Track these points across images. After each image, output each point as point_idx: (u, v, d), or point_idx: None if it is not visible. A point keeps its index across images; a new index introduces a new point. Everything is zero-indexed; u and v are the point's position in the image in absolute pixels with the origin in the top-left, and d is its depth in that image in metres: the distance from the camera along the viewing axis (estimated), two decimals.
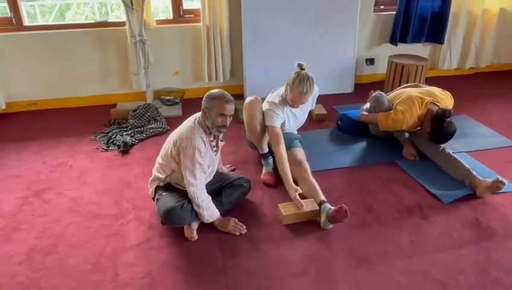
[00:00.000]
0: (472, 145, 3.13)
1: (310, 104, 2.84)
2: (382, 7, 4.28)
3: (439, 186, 2.60)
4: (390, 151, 3.02)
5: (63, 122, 3.55)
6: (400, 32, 4.23)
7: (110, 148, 3.11)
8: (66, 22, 4.01)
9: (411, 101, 2.77)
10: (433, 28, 4.31)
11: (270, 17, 3.74)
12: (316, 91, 2.82)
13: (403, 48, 4.31)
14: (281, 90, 2.66)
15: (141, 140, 3.23)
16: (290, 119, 2.69)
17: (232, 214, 2.31)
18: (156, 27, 3.71)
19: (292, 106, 2.59)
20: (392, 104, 2.88)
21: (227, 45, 3.84)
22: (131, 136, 3.23)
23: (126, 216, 2.35)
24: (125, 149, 3.06)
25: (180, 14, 3.81)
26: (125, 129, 3.36)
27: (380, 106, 2.90)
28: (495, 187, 2.41)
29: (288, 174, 2.38)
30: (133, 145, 3.15)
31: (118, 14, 6.31)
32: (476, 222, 2.27)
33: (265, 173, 2.70)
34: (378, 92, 2.99)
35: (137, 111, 3.48)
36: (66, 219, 2.32)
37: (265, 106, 2.60)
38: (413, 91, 2.87)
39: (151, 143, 3.20)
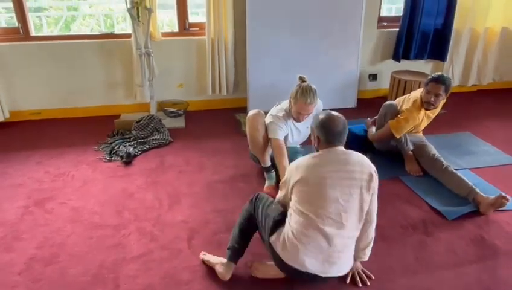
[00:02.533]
0: (476, 162, 3.12)
1: None
2: (385, 24, 4.33)
3: (443, 202, 2.59)
4: (394, 167, 3.01)
5: (66, 132, 3.55)
6: (402, 49, 4.26)
7: (113, 158, 3.11)
8: (72, 33, 4.06)
9: (412, 99, 2.91)
10: (436, 45, 4.34)
11: (274, 31, 3.78)
12: (320, 106, 2.83)
13: (406, 65, 4.34)
14: (285, 104, 2.67)
15: (144, 151, 3.23)
16: (294, 133, 2.69)
17: None
18: (161, 39, 3.74)
19: (297, 119, 2.59)
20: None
21: (232, 58, 3.87)
22: (134, 147, 3.23)
23: (128, 227, 2.34)
24: (128, 160, 3.05)
25: (185, 27, 3.85)
26: (129, 140, 3.36)
27: (392, 111, 2.94)
28: (499, 204, 2.40)
29: None
30: (135, 156, 3.15)
31: (123, 26, 6.40)
32: (480, 239, 2.25)
33: (268, 186, 2.69)
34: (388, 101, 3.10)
35: (141, 122, 3.48)
36: (68, 229, 2.31)
37: (268, 119, 2.61)
38: (411, 94, 3.06)
39: (154, 154, 3.20)
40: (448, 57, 4.41)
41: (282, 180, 1.95)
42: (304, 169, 1.78)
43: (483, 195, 2.48)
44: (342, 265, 1.82)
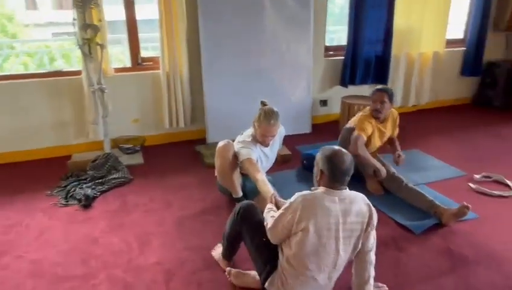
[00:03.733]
0: (428, 177, 3.32)
1: (277, 143, 2.90)
2: (331, 53, 4.57)
3: (407, 217, 2.71)
4: (356, 188, 3.02)
5: (14, 178, 3.28)
6: (349, 75, 4.52)
7: (69, 202, 2.91)
8: (15, 72, 3.83)
9: (360, 115, 3.10)
10: (378, 70, 4.65)
11: (229, 63, 3.84)
12: (283, 130, 2.91)
13: (353, 90, 4.58)
14: (249, 131, 2.71)
15: (103, 192, 3.06)
16: (262, 158, 2.71)
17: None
18: (114, 75, 3.64)
19: (263, 143, 2.63)
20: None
21: (188, 90, 3.84)
22: (92, 189, 3.04)
23: (97, 276, 2.17)
24: (87, 203, 2.87)
25: (138, 62, 3.78)
26: (85, 181, 3.17)
27: (351, 131, 3.05)
28: (461, 213, 2.56)
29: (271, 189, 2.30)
30: (95, 198, 2.97)
31: (60, 63, 6.18)
32: (448, 250, 2.37)
33: None
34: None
35: (97, 161, 3.31)
36: (29, 285, 2.09)
37: (237, 145, 2.61)
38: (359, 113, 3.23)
39: (114, 194, 3.04)
40: (389, 81, 4.73)
41: (279, 211, 1.79)
42: (310, 212, 1.68)
43: (445, 207, 2.64)
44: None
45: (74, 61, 5.97)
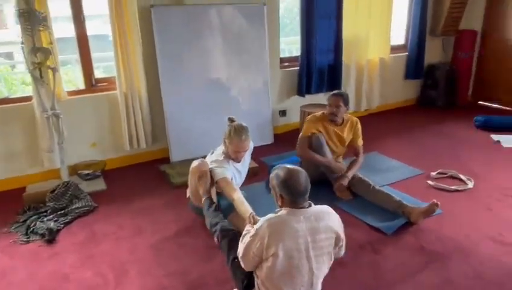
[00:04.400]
0: (389, 178, 3.47)
1: (248, 157, 2.91)
2: (286, 64, 4.68)
3: (378, 219, 2.81)
4: (326, 195, 3.14)
5: None
6: (305, 85, 4.64)
7: (31, 238, 2.71)
8: None
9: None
10: (331, 78, 4.82)
11: (188, 79, 3.81)
12: (251, 145, 2.92)
13: (309, 98, 4.70)
14: (220, 149, 2.69)
15: (67, 223, 2.88)
16: (236, 175, 2.70)
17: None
18: (67, 98, 3.46)
19: (236, 159, 2.63)
20: None
21: (147, 109, 3.74)
22: (55, 221, 2.86)
23: None
24: (51, 237, 2.69)
25: (92, 83, 3.63)
26: (45, 214, 2.97)
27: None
28: (431, 210, 2.70)
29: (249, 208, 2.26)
30: (58, 230, 2.79)
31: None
32: (420, 247, 2.50)
33: None
34: None
35: (56, 191, 3.12)
36: None
37: (210, 165, 2.58)
38: None
39: (79, 225, 2.88)
40: (342, 88, 4.91)
41: (247, 238, 1.77)
42: (277, 237, 1.68)
43: (413, 205, 2.77)
44: None
45: (16, 85, 5.59)
